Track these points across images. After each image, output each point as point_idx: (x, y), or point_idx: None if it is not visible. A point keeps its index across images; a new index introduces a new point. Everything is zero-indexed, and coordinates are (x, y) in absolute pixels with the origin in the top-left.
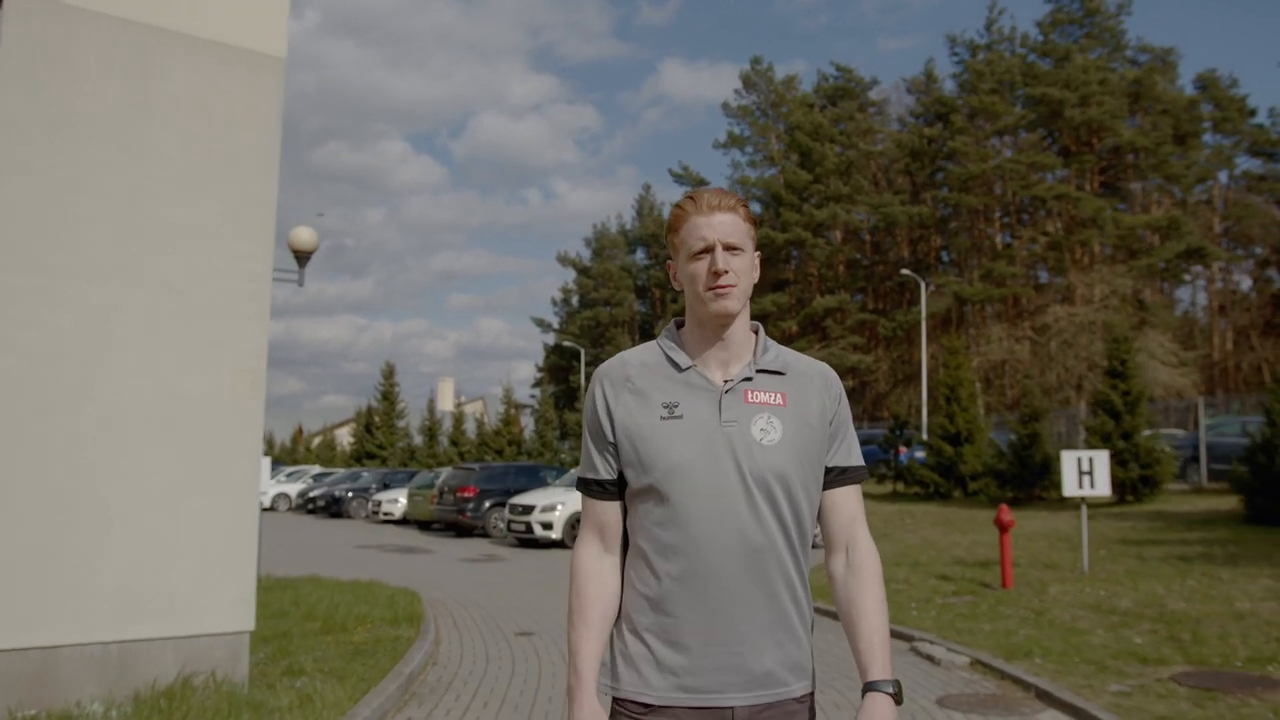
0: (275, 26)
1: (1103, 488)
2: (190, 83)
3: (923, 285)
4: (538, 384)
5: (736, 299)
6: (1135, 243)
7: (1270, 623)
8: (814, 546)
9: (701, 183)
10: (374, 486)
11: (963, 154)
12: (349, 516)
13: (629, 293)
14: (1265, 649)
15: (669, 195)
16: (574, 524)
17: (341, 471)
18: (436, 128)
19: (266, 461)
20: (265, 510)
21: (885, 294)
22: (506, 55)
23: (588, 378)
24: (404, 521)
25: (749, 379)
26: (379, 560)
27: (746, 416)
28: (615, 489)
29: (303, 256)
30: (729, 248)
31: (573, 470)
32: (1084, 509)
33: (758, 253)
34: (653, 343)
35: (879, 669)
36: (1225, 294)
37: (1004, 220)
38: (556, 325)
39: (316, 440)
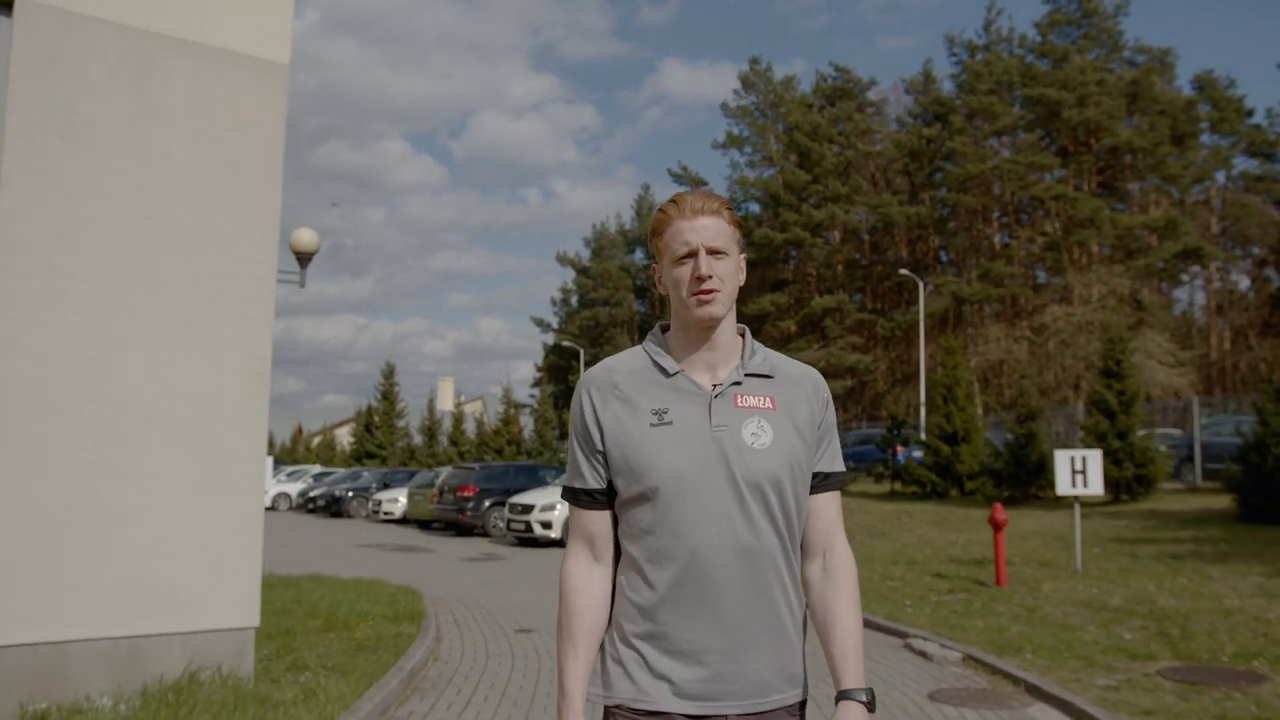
0: (279, 33)
1: (1096, 487)
2: (195, 88)
3: (921, 285)
4: (537, 384)
5: (721, 304)
6: (1133, 243)
7: (1258, 619)
8: None
9: (700, 183)
10: (374, 486)
11: (961, 154)
12: (349, 516)
13: (628, 293)
14: (1252, 644)
15: (668, 195)
16: None
17: (342, 471)
18: (436, 127)
19: (268, 461)
20: (266, 510)
21: (883, 294)
22: (506, 55)
23: None
24: (404, 521)
25: (738, 383)
26: (380, 559)
27: (737, 421)
28: (604, 498)
29: (304, 258)
30: (713, 252)
31: None
32: (1077, 508)
33: (743, 255)
34: (638, 348)
35: (852, 678)
36: (1223, 294)
37: (1002, 220)
38: (556, 325)
39: (316, 440)
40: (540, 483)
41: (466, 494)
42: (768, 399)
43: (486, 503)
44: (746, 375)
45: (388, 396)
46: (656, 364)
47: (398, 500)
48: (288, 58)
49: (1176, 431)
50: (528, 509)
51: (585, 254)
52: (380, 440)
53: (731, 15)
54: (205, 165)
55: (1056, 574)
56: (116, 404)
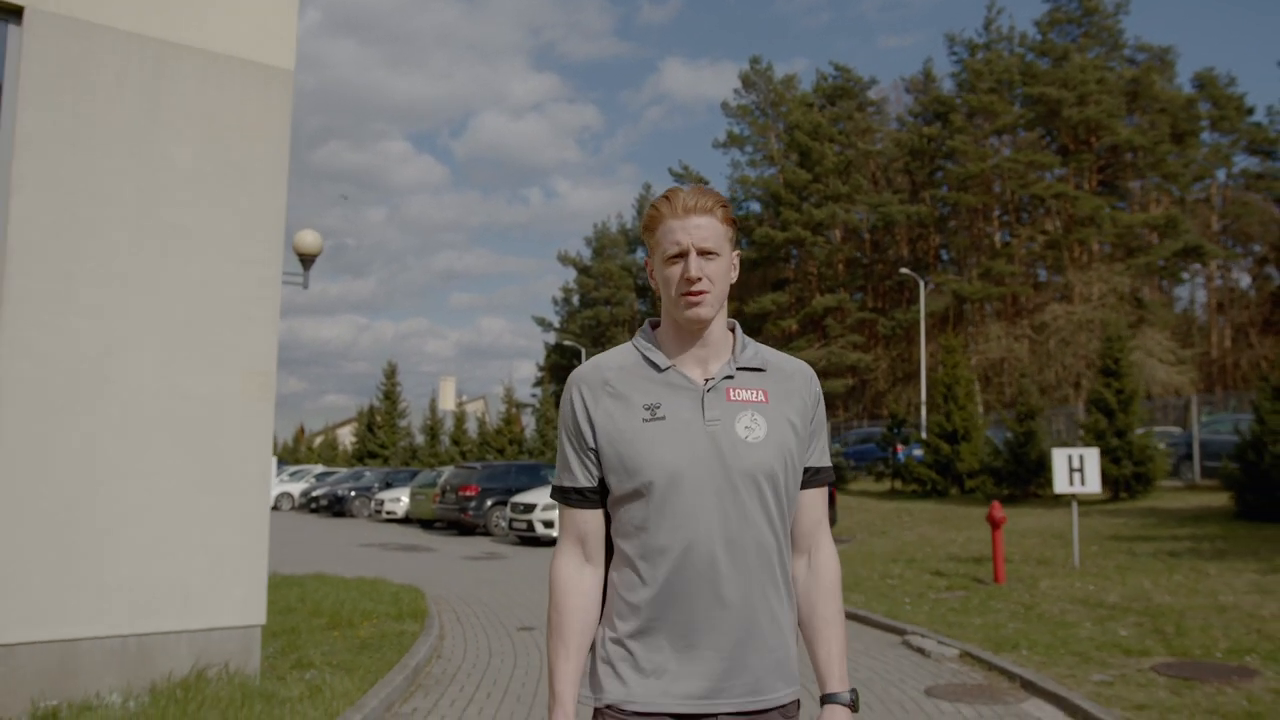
0: (284, 40)
1: (1093, 485)
2: (201, 94)
3: (922, 284)
4: (539, 383)
5: (710, 305)
6: (1133, 241)
7: (1252, 615)
8: None
9: (701, 182)
10: (376, 485)
11: (961, 153)
12: (352, 515)
13: (629, 292)
14: (1245, 640)
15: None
16: None
17: (344, 471)
18: (437, 127)
19: (272, 461)
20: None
21: (884, 293)
22: (507, 54)
23: None
24: (406, 520)
25: (730, 377)
26: (382, 558)
27: (730, 414)
28: (597, 496)
29: (307, 259)
30: (704, 253)
31: None
32: (1074, 505)
33: (736, 252)
34: (627, 345)
35: (837, 681)
36: (1224, 292)
37: (1003, 219)
38: (557, 324)
39: (318, 440)
40: (542, 482)
41: (469, 493)
42: (760, 392)
43: (488, 502)
44: (738, 369)
45: (390, 396)
46: (647, 360)
47: (400, 500)
48: (292, 64)
49: (1176, 429)
50: (530, 508)
51: (586, 253)
52: (382, 440)
53: (732, 14)
54: (210, 169)
55: (1054, 571)
56: (123, 405)
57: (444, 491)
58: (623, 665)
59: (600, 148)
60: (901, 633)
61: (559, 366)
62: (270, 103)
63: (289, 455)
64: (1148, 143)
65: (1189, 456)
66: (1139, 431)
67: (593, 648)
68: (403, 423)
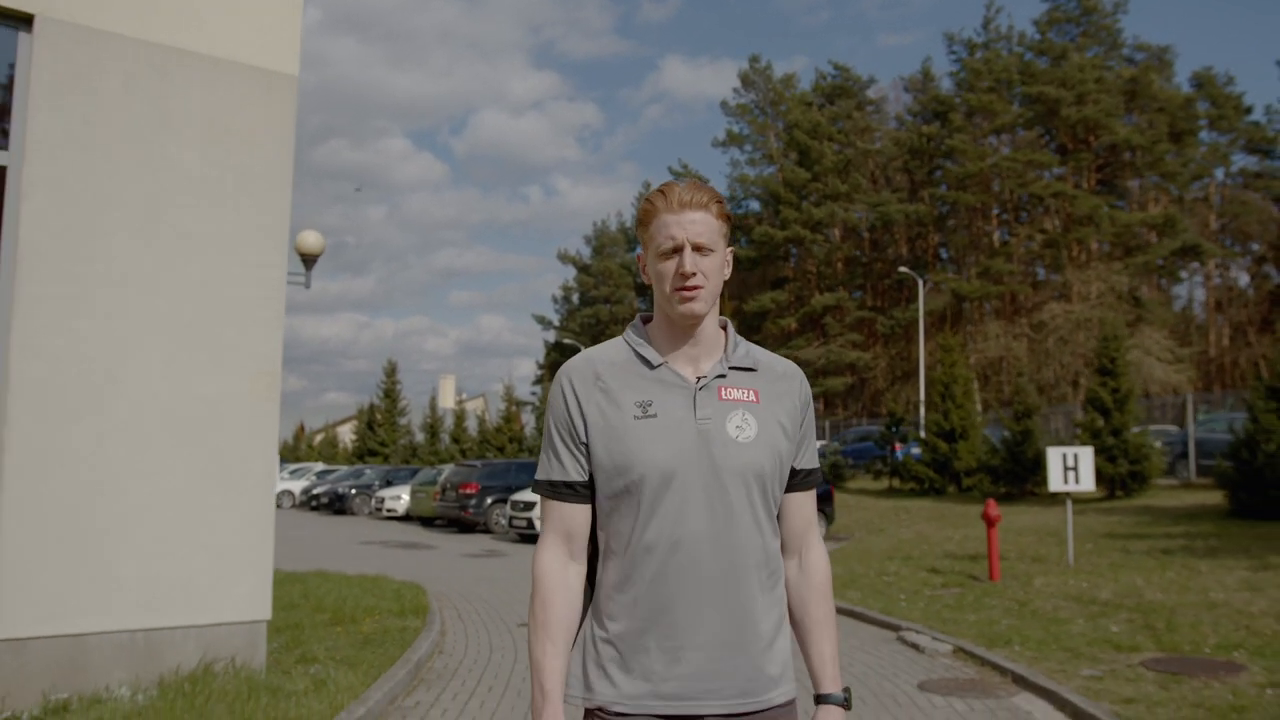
0: (288, 46)
1: (1087, 483)
2: (207, 100)
3: (920, 283)
4: (539, 381)
5: (704, 301)
6: (1132, 240)
7: (1241, 612)
8: None
9: (689, 174)
10: (377, 483)
11: (960, 152)
12: (352, 513)
13: (629, 290)
14: (1234, 636)
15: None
16: None
17: (344, 468)
18: (437, 125)
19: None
20: None
21: (883, 291)
22: (507, 52)
23: None
24: (407, 518)
25: (722, 375)
26: (383, 556)
27: (721, 413)
28: (587, 491)
29: (309, 259)
30: (698, 248)
31: None
32: (1069, 504)
33: (730, 249)
34: (618, 339)
35: (830, 681)
36: (1222, 290)
37: (1001, 218)
38: (557, 322)
39: (319, 437)
40: None
41: (469, 491)
42: (751, 392)
43: (489, 500)
44: (730, 368)
45: (390, 394)
46: (639, 355)
47: (400, 497)
48: (296, 68)
49: (1174, 428)
50: (530, 506)
51: (586, 252)
52: (383, 438)
53: (732, 12)
54: (216, 173)
55: (1049, 569)
56: (131, 405)
57: (444, 489)
58: (612, 666)
59: (600, 146)
60: (896, 629)
61: (559, 364)
62: (274, 107)
63: (289, 453)
64: (1146, 142)
65: (1185, 455)
66: (1134, 430)
67: (580, 646)
68: (403, 420)
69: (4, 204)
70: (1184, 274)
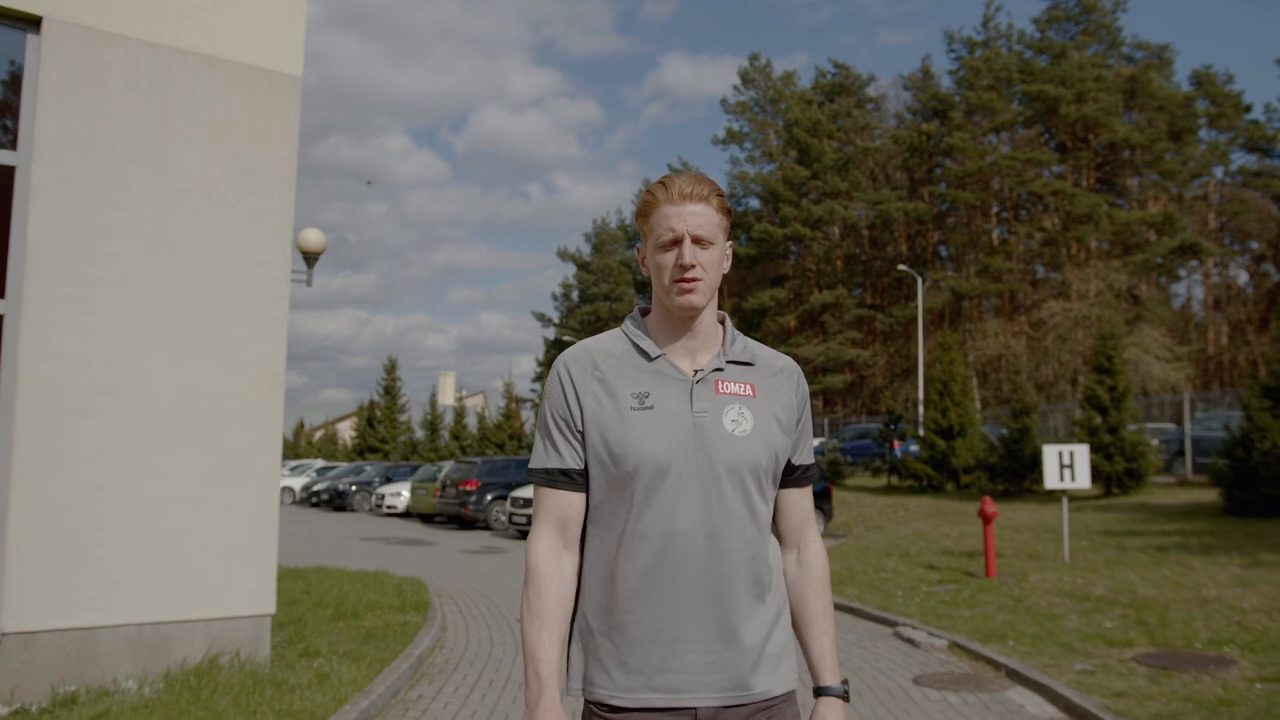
0: (291, 47)
1: (1083, 480)
2: (211, 100)
3: (920, 280)
4: (538, 378)
5: (702, 294)
6: (1131, 238)
7: (1233, 608)
8: None
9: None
10: (377, 480)
11: (960, 150)
12: (352, 510)
13: (629, 287)
14: (1225, 631)
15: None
16: None
17: (345, 465)
18: (438, 122)
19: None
20: None
21: (883, 289)
22: (508, 49)
23: None
24: (407, 514)
25: (719, 369)
26: (384, 552)
27: (718, 407)
28: (582, 479)
29: (311, 257)
30: (698, 241)
31: None
32: (1065, 501)
33: (730, 243)
34: (616, 330)
35: (829, 674)
36: (1221, 288)
37: (1001, 216)
38: (557, 320)
39: (319, 434)
40: None
41: (469, 488)
42: (748, 386)
43: (488, 496)
44: (728, 362)
45: (390, 391)
46: (637, 347)
47: (400, 494)
48: (300, 69)
49: (1172, 426)
50: (529, 502)
51: (586, 249)
52: (383, 434)
53: (733, 9)
54: (220, 174)
55: (1044, 565)
56: (138, 403)
57: (444, 486)
58: (607, 658)
59: (601, 143)
60: (893, 624)
61: None
62: (278, 108)
63: (289, 450)
64: (1145, 140)
65: (1182, 453)
66: (1131, 428)
67: (575, 638)
68: (403, 418)
69: (13, 204)
70: (1183, 272)
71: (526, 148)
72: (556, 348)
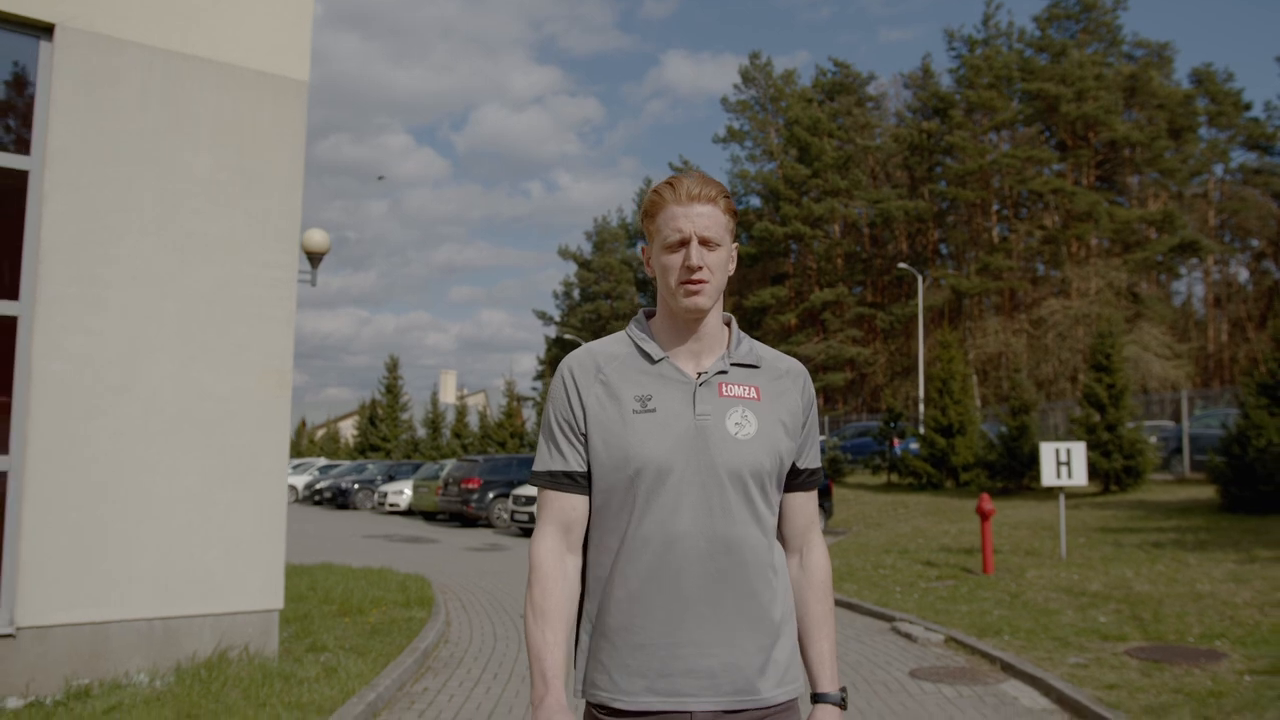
0: (298, 52)
1: (1080, 478)
2: (219, 105)
3: (920, 279)
4: (539, 376)
5: (708, 296)
6: (1131, 236)
7: (1226, 603)
8: None
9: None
10: (379, 478)
11: (960, 148)
12: (355, 508)
13: (629, 286)
14: (1217, 626)
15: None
16: None
17: (347, 463)
18: (439, 120)
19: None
20: None
21: (883, 287)
22: (509, 47)
23: None
24: (409, 512)
25: (723, 372)
26: (387, 549)
27: (721, 410)
28: (585, 482)
29: (315, 257)
30: (705, 242)
31: None
32: (1062, 498)
33: (735, 244)
34: (621, 333)
35: (827, 680)
36: (1221, 286)
37: (1001, 214)
38: (558, 318)
39: (320, 433)
40: None
41: (471, 486)
42: (753, 389)
43: (490, 494)
44: (732, 365)
45: (391, 390)
46: (641, 350)
47: (403, 492)
48: (306, 75)
49: (1170, 424)
50: (531, 500)
51: (587, 247)
52: (384, 433)
53: (734, 7)
54: (228, 177)
55: (1041, 562)
56: (148, 403)
57: (446, 484)
58: (609, 661)
59: (601, 141)
60: (891, 619)
61: (559, 360)
62: (284, 112)
63: (291, 448)
64: (1145, 138)
65: (1180, 450)
66: (1130, 426)
67: (577, 641)
68: (404, 416)
69: (26, 207)
70: (1183, 270)
71: (527, 146)
72: (557, 346)
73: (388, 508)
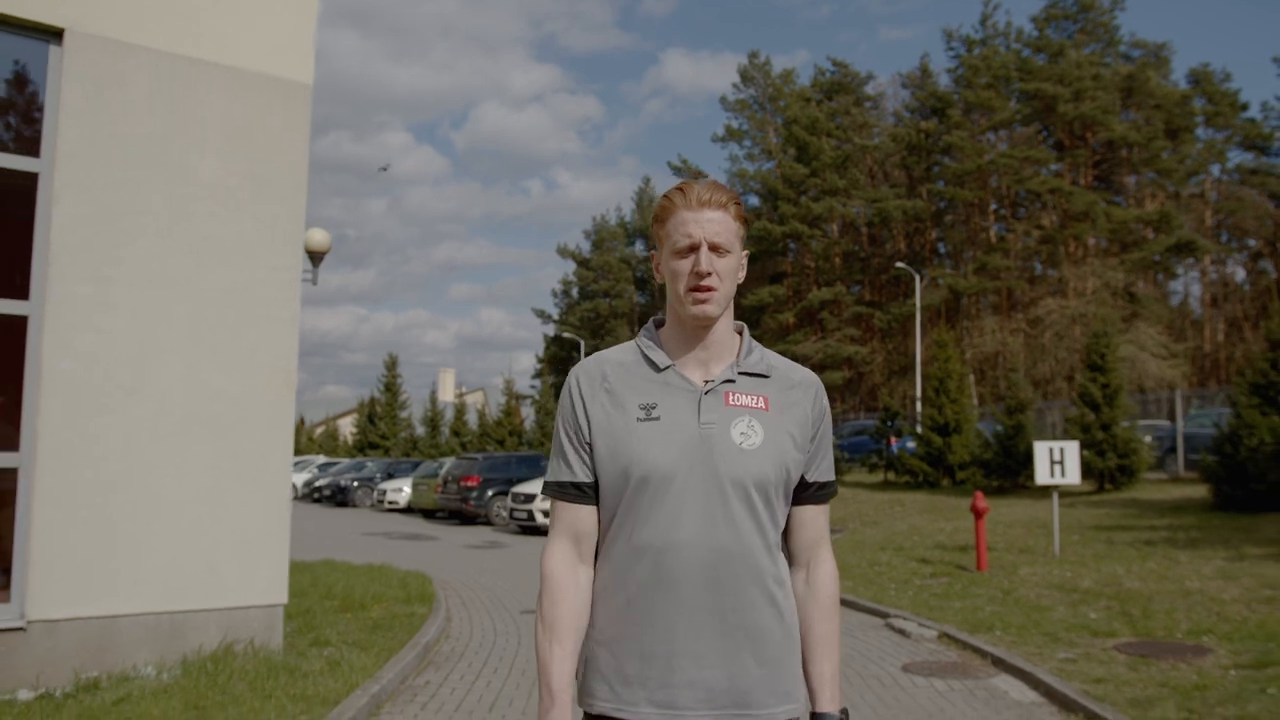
0: (303, 56)
1: (1073, 477)
2: (226, 108)
3: (917, 278)
4: (538, 374)
5: (717, 303)
6: (1128, 236)
7: (1214, 599)
8: None
9: (700, 176)
10: (379, 476)
11: (958, 148)
12: (354, 506)
13: (628, 284)
14: (1205, 622)
15: (667, 188)
16: None
17: (346, 461)
18: (438, 118)
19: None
20: None
21: (881, 286)
22: (509, 46)
23: None
24: (409, 510)
25: (731, 380)
26: (387, 546)
27: (726, 419)
28: (592, 492)
29: (316, 256)
30: (715, 248)
31: None
32: (1055, 496)
33: (746, 252)
34: (630, 342)
35: (828, 700)
36: (1218, 286)
37: (998, 214)
38: (557, 316)
39: (319, 430)
40: (542, 472)
41: (470, 484)
42: (761, 399)
43: (489, 492)
44: (740, 374)
45: (390, 388)
46: (647, 358)
47: (402, 490)
48: (311, 78)
49: (1166, 423)
50: (530, 498)
51: (586, 246)
52: (383, 431)
53: (733, 6)
54: (234, 180)
55: (1035, 559)
56: (156, 402)
57: (446, 482)
58: (608, 670)
59: (601, 139)
60: (885, 615)
61: (558, 358)
62: (290, 115)
63: None
64: (1143, 138)
65: (1174, 449)
66: (1124, 425)
67: (581, 650)
68: (403, 414)
69: (36, 209)
70: (1180, 270)
71: (527, 144)
72: (556, 344)
73: (387, 505)
